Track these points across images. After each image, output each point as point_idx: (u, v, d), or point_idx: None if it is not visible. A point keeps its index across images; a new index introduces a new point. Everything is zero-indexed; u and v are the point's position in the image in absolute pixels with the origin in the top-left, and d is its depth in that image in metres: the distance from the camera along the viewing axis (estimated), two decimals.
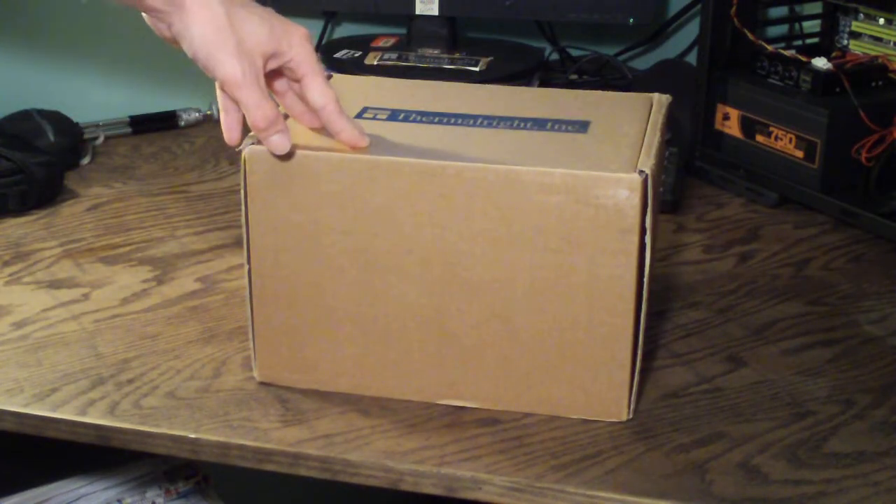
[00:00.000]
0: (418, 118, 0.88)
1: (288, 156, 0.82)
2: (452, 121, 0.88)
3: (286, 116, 0.86)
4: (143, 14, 0.81)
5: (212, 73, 0.79)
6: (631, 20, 1.44)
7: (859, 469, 0.81)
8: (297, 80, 0.84)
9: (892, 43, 1.24)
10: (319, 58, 1.51)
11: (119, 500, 1.19)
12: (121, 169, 1.35)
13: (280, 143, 0.81)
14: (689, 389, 0.90)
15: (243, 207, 0.84)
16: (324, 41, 1.57)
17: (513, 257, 0.81)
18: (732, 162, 1.28)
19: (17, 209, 1.20)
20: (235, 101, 0.81)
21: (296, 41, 0.82)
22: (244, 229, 0.85)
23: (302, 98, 0.85)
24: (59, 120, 1.34)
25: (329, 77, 0.96)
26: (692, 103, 1.31)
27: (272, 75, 0.84)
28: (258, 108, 0.79)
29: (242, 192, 0.83)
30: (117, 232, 1.17)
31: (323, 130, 0.84)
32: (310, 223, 0.83)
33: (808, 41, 1.37)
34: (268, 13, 0.82)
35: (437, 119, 0.88)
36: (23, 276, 1.07)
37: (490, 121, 0.88)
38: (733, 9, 1.26)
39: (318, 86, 0.83)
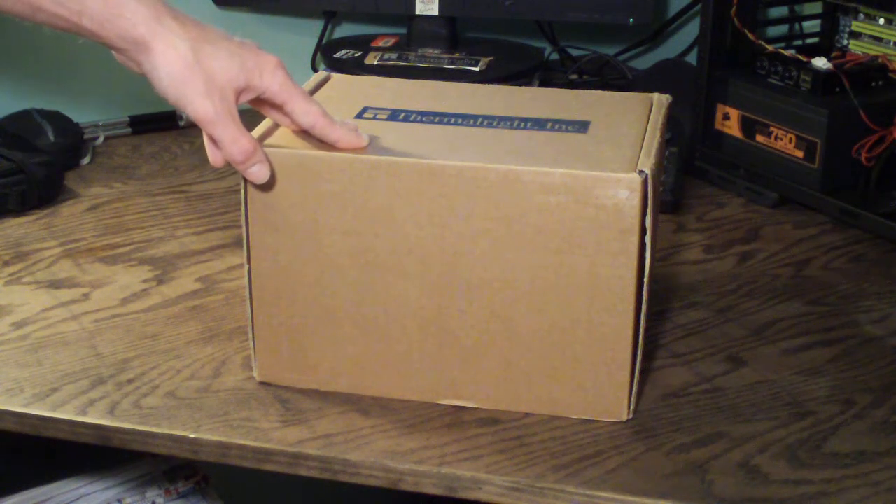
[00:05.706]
0: (418, 118, 0.88)
1: (288, 156, 0.82)
2: (452, 121, 0.88)
3: (276, 126, 0.86)
4: (112, 52, 0.81)
5: (184, 112, 0.79)
6: (631, 20, 1.44)
7: (859, 469, 0.81)
8: (279, 108, 0.83)
9: (892, 43, 1.24)
10: (320, 57, 1.53)
11: (119, 500, 1.19)
12: (121, 169, 1.35)
13: (259, 174, 0.81)
14: (689, 389, 0.90)
15: (243, 207, 0.84)
16: (324, 41, 1.57)
17: (513, 257, 0.81)
18: (732, 162, 1.28)
19: (17, 209, 1.20)
20: (211, 139, 0.81)
21: (267, 72, 0.81)
22: (244, 229, 0.85)
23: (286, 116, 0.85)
24: (59, 120, 1.34)
25: (328, 78, 0.97)
26: (692, 103, 1.31)
27: (252, 101, 0.83)
28: (234, 143, 0.79)
29: (242, 192, 0.83)
30: (117, 232, 1.17)
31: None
32: (310, 223, 0.83)
33: (808, 41, 1.37)
34: (237, 45, 0.80)
35: (437, 119, 0.88)
36: (23, 276, 1.07)
37: (490, 121, 0.88)
38: (733, 9, 1.26)
39: (301, 109, 0.82)
